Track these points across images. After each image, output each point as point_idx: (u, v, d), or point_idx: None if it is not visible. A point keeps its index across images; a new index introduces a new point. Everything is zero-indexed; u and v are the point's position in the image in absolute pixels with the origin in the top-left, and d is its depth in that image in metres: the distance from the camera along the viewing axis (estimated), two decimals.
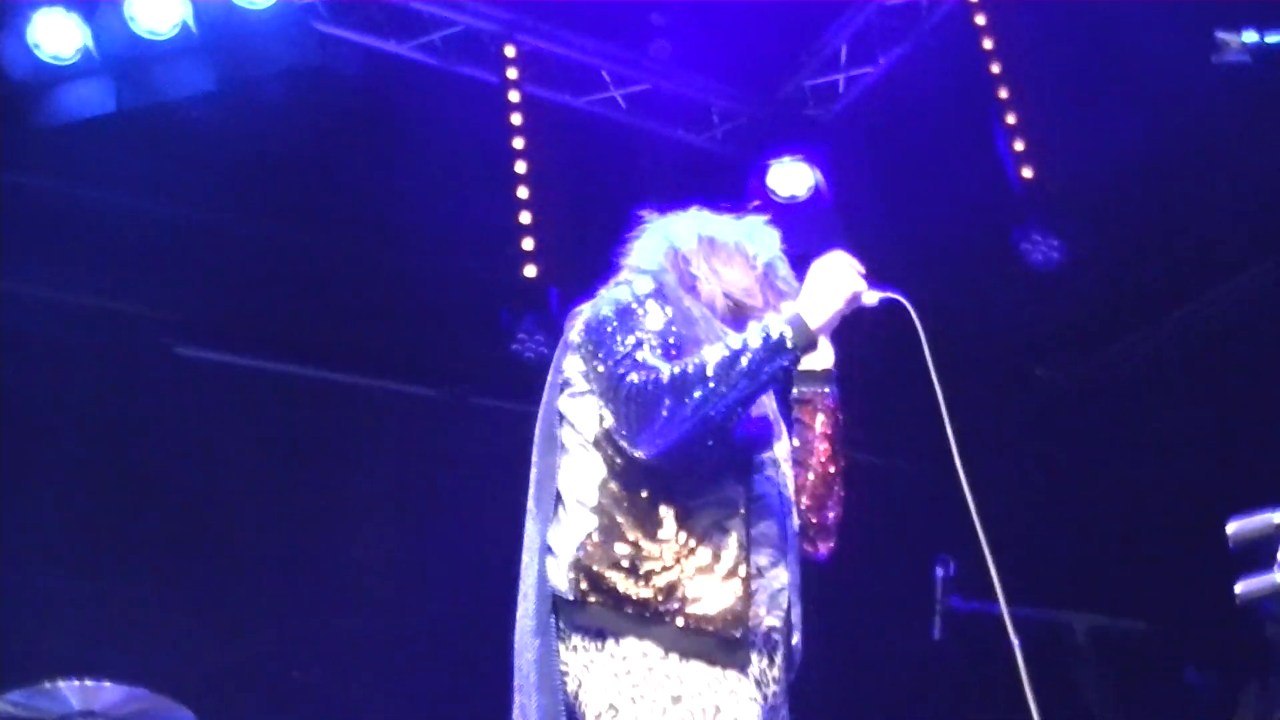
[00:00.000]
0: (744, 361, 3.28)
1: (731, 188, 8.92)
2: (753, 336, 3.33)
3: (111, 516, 7.68)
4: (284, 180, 8.32)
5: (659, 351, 3.41)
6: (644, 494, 3.40)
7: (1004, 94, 7.59)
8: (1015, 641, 3.44)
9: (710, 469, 3.43)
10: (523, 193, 8.22)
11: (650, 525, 3.37)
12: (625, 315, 3.50)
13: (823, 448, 3.76)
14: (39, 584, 7.37)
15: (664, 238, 3.85)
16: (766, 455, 3.60)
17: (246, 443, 8.23)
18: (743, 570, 3.36)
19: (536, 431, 3.66)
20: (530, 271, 8.04)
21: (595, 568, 3.35)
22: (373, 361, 8.96)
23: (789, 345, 3.32)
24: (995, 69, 7.65)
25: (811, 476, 3.74)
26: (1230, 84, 6.79)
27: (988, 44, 7.71)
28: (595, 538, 3.38)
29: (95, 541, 7.60)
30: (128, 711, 5.56)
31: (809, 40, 8.87)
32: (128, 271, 8.12)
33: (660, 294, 3.58)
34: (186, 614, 7.66)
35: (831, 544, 3.78)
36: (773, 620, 3.43)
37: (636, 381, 3.33)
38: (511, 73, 8.45)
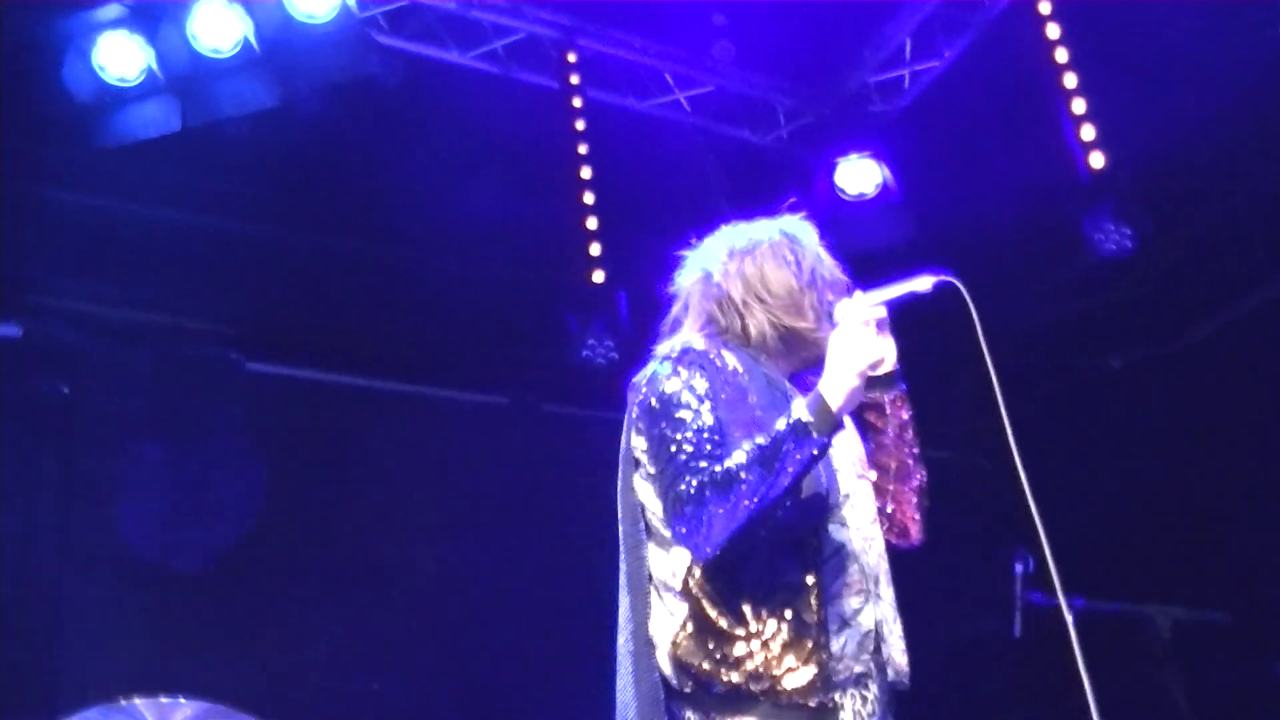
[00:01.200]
0: (775, 458, 3.31)
1: (798, 187, 8.86)
2: (780, 427, 3.34)
3: (182, 532, 7.72)
4: (348, 192, 8.37)
5: (707, 448, 3.44)
6: (724, 579, 3.46)
7: (1070, 82, 7.49)
8: (1070, 622, 3.63)
9: (775, 549, 3.46)
10: (588, 198, 8.21)
11: (734, 610, 3.44)
12: (671, 409, 3.53)
13: (897, 447, 3.80)
14: (107, 599, 7.44)
15: (701, 270, 3.86)
16: (839, 506, 3.59)
17: (315, 455, 8.27)
18: (822, 639, 3.42)
19: (620, 509, 3.70)
20: (598, 277, 8.03)
21: (688, 660, 3.44)
22: (443, 371, 8.99)
23: (813, 434, 3.32)
24: (1061, 57, 7.55)
25: (892, 476, 3.79)
26: None
27: (1053, 32, 7.62)
28: (687, 628, 3.47)
29: (165, 556, 7.64)
30: None
31: (872, 36, 8.81)
32: (195, 287, 8.18)
33: (701, 367, 3.59)
34: (256, 626, 7.70)
35: (921, 533, 3.83)
36: (860, 667, 3.49)
37: (683, 492, 3.39)
38: (574, 78, 8.44)
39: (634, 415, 3.66)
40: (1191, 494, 8.25)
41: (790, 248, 3.83)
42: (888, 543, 3.76)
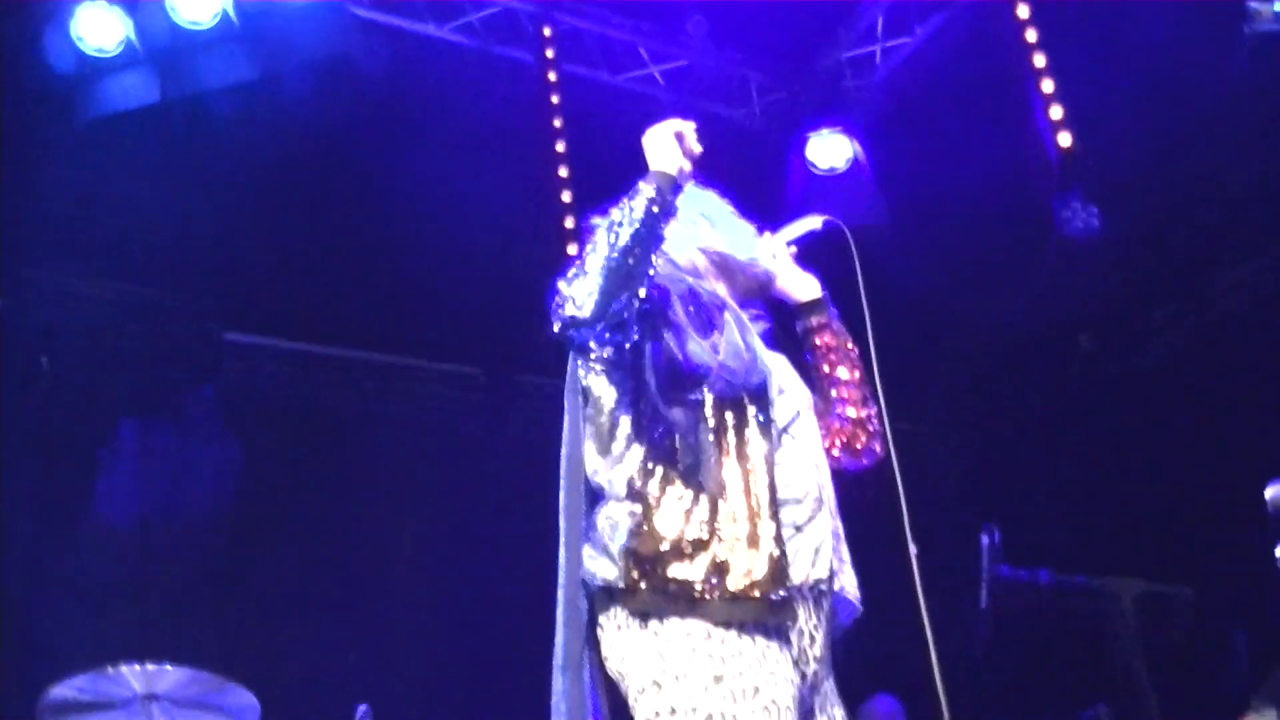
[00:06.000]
0: (630, 215, 3.54)
1: (770, 161, 8.95)
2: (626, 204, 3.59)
3: (162, 503, 7.78)
4: (324, 166, 8.37)
5: None
6: (676, 474, 3.52)
7: (1040, 62, 7.57)
8: (912, 550, 3.76)
9: (718, 436, 3.56)
10: (563, 171, 8.26)
11: (687, 503, 3.48)
12: None
13: (844, 358, 4.08)
14: (95, 570, 7.48)
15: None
16: (786, 421, 3.74)
17: (293, 426, 8.32)
18: (775, 531, 3.48)
19: (565, 429, 3.77)
20: (573, 249, 8.08)
21: (645, 554, 3.45)
22: (417, 342, 9.04)
23: (652, 191, 3.59)
24: (1031, 37, 7.62)
25: (855, 385, 4.04)
26: (1268, 50, 6.78)
27: (1023, 11, 7.69)
28: (641, 525, 3.48)
29: (146, 528, 7.69)
30: (190, 694, 5.64)
31: (845, 13, 8.87)
32: (172, 261, 8.20)
33: None
34: (237, 598, 7.75)
35: (880, 444, 4.05)
36: (819, 573, 3.57)
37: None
38: (549, 52, 8.48)
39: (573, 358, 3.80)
40: (1157, 470, 8.35)
41: (700, 205, 4.04)
42: (853, 467, 4.01)
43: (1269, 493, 3.63)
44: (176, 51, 7.45)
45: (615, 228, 3.51)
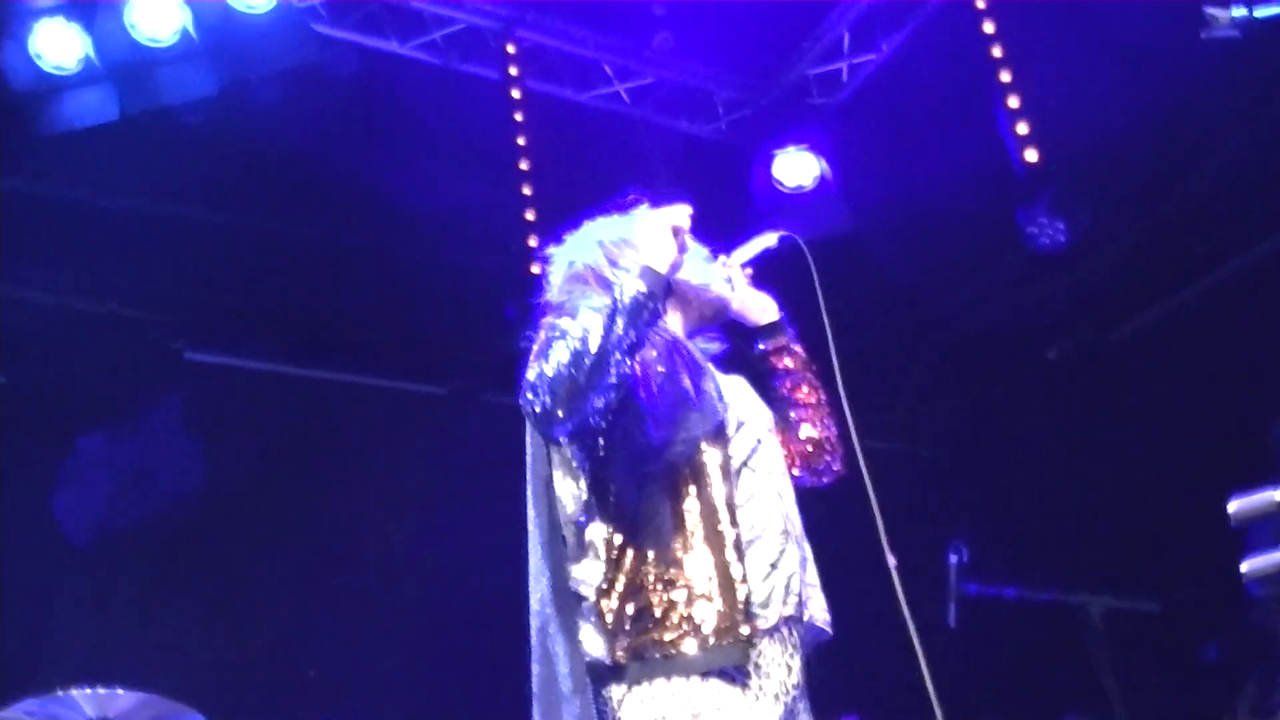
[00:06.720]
0: (617, 320, 3.50)
1: (737, 178, 8.93)
2: (616, 294, 3.57)
3: (119, 520, 7.70)
4: (287, 182, 8.34)
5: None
6: (650, 540, 3.54)
7: (1006, 77, 7.56)
8: (891, 562, 3.78)
9: (677, 490, 3.58)
10: (527, 189, 8.23)
11: (653, 563, 3.52)
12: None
13: (804, 380, 4.13)
14: (48, 589, 7.40)
15: (569, 263, 4.00)
16: (745, 456, 3.74)
17: (255, 445, 8.24)
18: (743, 574, 3.50)
19: (529, 488, 3.81)
20: (536, 268, 8.02)
21: (629, 631, 3.49)
22: (380, 361, 8.98)
23: (641, 289, 3.57)
24: (997, 52, 7.62)
25: (814, 407, 4.09)
26: (1231, 60, 6.79)
27: (989, 27, 7.69)
28: (615, 603, 3.52)
29: (103, 545, 7.62)
30: (141, 718, 5.59)
31: (811, 28, 8.85)
32: (133, 277, 8.16)
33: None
34: (196, 616, 7.68)
35: (840, 462, 4.09)
36: (787, 610, 3.58)
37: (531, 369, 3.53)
38: (513, 69, 8.45)
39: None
40: (1127, 484, 8.35)
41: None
42: (814, 488, 4.04)
43: (1232, 507, 3.60)
44: (136, 68, 7.38)
45: (606, 320, 3.49)
